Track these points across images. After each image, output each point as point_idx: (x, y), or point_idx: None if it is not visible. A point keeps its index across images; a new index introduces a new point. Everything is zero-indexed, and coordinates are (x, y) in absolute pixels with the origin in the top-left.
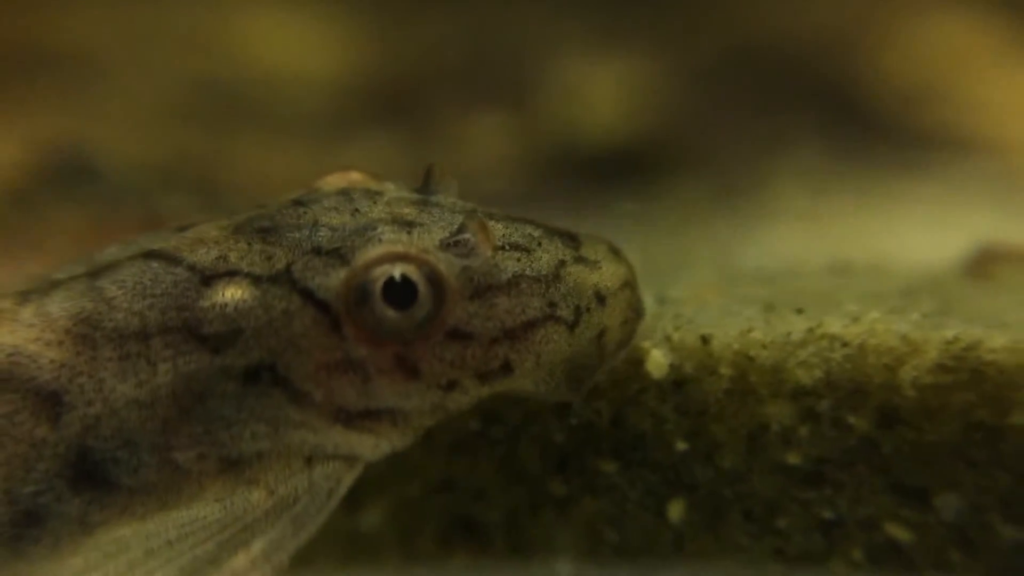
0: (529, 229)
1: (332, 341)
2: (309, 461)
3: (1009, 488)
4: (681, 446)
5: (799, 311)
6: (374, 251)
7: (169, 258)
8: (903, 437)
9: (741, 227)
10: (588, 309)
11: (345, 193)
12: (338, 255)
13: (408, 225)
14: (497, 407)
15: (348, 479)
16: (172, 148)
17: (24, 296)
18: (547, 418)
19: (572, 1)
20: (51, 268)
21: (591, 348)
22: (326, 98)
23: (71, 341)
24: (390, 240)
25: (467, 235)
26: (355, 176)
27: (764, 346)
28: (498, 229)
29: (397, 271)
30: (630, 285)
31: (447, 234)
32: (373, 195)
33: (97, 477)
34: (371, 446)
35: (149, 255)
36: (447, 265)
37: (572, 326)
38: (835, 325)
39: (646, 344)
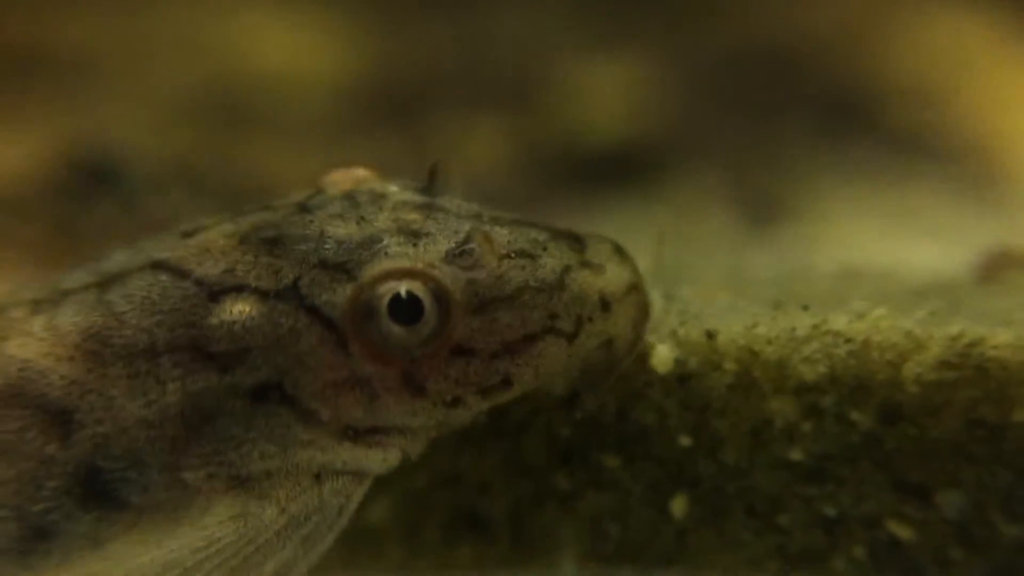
0: (535, 233)
1: (339, 359)
2: (318, 478)
3: (1011, 486)
4: (685, 441)
5: (805, 308)
6: (380, 266)
7: (177, 271)
8: (906, 434)
9: (746, 230)
10: (591, 318)
11: (350, 197)
12: (344, 270)
13: (414, 236)
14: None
15: (357, 495)
16: (175, 151)
17: (35, 306)
18: (552, 412)
19: (574, 3)
20: (60, 273)
21: (600, 355)
22: (329, 101)
23: (82, 357)
24: (396, 254)
25: (472, 246)
26: (360, 173)
27: (769, 342)
28: (503, 235)
29: (403, 288)
30: (636, 288)
31: (453, 244)
32: (378, 199)
33: (106, 495)
34: (379, 460)
35: (156, 266)
36: (452, 280)
37: (572, 337)
38: (840, 321)
39: (651, 339)
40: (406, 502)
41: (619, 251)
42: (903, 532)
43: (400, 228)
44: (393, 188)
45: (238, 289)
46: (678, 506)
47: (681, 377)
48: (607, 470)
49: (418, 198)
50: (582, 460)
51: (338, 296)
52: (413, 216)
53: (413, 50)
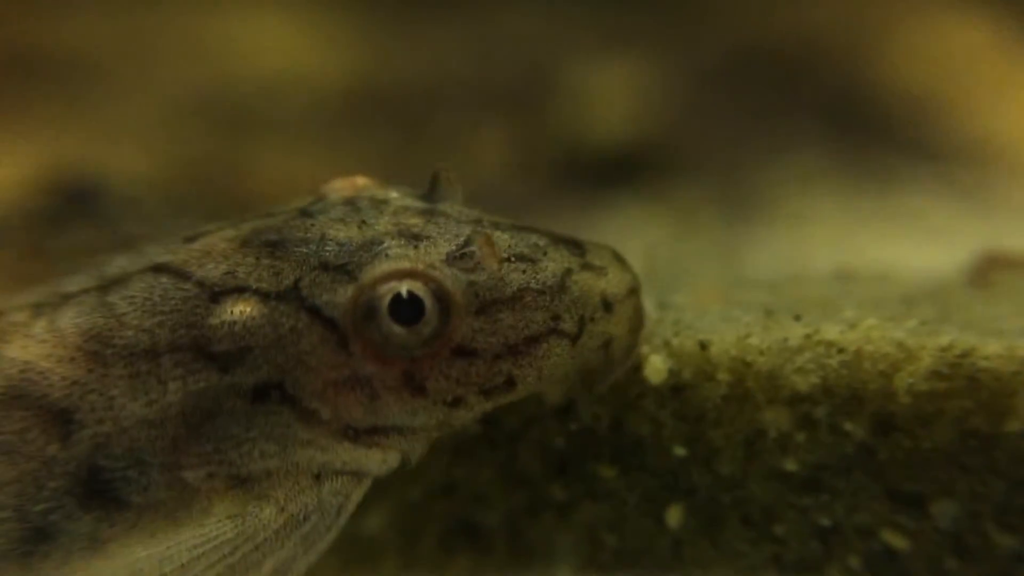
0: (535, 238)
1: (340, 359)
2: (317, 478)
3: (1004, 495)
4: (679, 452)
5: (797, 317)
6: (381, 267)
7: (178, 273)
8: (899, 444)
9: (745, 232)
10: (593, 319)
11: (351, 203)
12: (345, 271)
13: (415, 238)
14: (497, 412)
15: (356, 495)
16: (175, 157)
17: (36, 309)
18: (547, 423)
19: (577, 5)
20: (60, 278)
21: (598, 356)
22: (332, 104)
23: (83, 358)
24: (397, 255)
25: (473, 248)
26: (361, 181)
27: (761, 352)
28: (504, 240)
29: (404, 288)
30: (635, 292)
31: (453, 247)
32: (379, 204)
33: (107, 495)
34: (379, 462)
35: (158, 269)
36: (453, 281)
37: (575, 338)
38: (832, 331)
39: (645, 349)
40: (402, 512)
41: (618, 256)
42: (898, 542)
43: (401, 231)
44: (394, 195)
45: (239, 290)
46: (674, 516)
47: (675, 388)
48: (602, 480)
49: (419, 204)
50: (577, 470)
51: (339, 296)
52: (414, 220)
53: (416, 53)
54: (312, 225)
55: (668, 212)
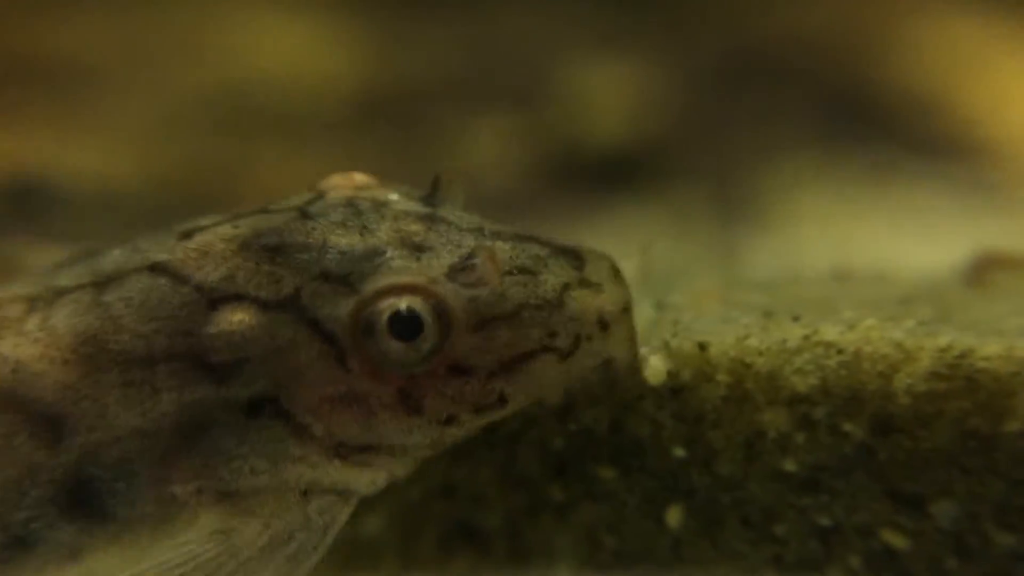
0: (536, 249)
1: (337, 374)
2: (305, 495)
3: (1004, 495)
4: (679, 453)
5: (796, 318)
6: (382, 281)
7: (176, 275)
8: (898, 444)
9: (743, 232)
10: (589, 337)
11: (352, 205)
12: (347, 283)
13: (416, 249)
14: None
15: (343, 515)
16: (176, 159)
17: (30, 303)
18: (546, 424)
19: (576, 7)
20: (52, 265)
21: (597, 376)
22: (332, 104)
23: (77, 361)
24: (399, 268)
25: (475, 261)
26: (359, 178)
27: (760, 353)
28: (505, 250)
29: (403, 304)
30: (628, 310)
31: (456, 259)
32: (380, 208)
33: (92, 506)
34: (368, 481)
35: (155, 268)
36: (454, 297)
37: (568, 355)
38: (831, 332)
39: (644, 351)
40: (402, 513)
41: (615, 270)
42: (898, 541)
43: (403, 240)
44: (394, 196)
45: (238, 298)
46: (673, 517)
47: (674, 389)
48: (602, 481)
49: (420, 208)
50: (577, 471)
51: (340, 310)
52: (415, 228)
53: (417, 54)
54: (313, 229)
55: (666, 213)
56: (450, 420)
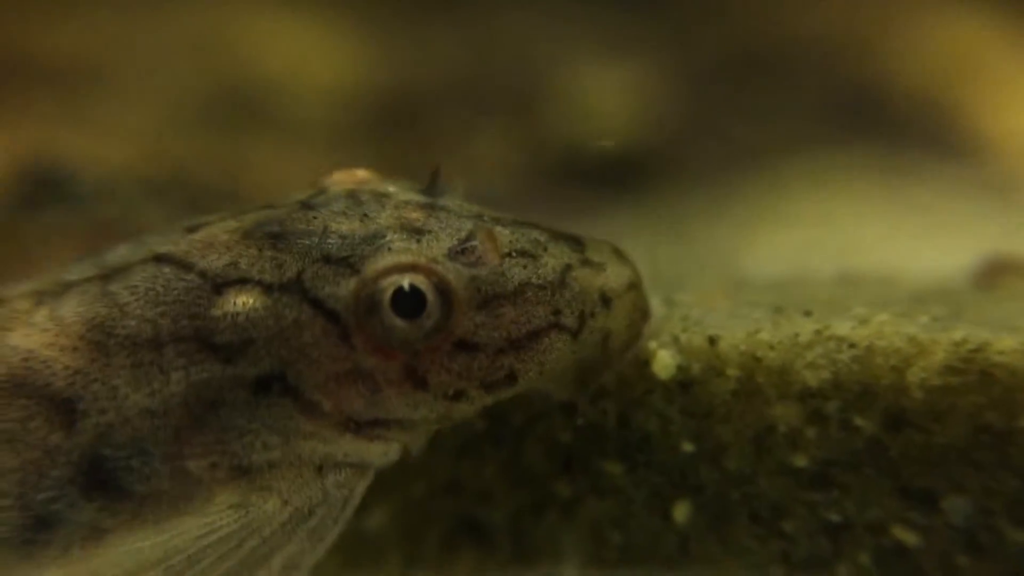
0: (535, 234)
1: (342, 351)
2: (320, 470)
3: (1018, 492)
4: (687, 447)
5: (807, 313)
6: (384, 261)
7: (180, 263)
8: (911, 440)
9: (748, 235)
10: (592, 314)
11: (353, 196)
12: (348, 264)
13: (417, 232)
14: (502, 408)
15: (360, 487)
16: (176, 156)
17: (38, 297)
18: (553, 418)
19: (577, 9)
20: (60, 266)
21: (596, 351)
22: (333, 106)
23: (85, 347)
24: (399, 249)
25: (475, 243)
26: (361, 174)
27: (771, 347)
28: (504, 235)
29: (406, 281)
30: (635, 286)
31: (455, 242)
32: (381, 198)
33: (109, 484)
34: (380, 453)
35: (160, 259)
36: (456, 275)
37: (576, 333)
38: (843, 327)
39: (653, 345)
40: (406, 509)
41: (618, 252)
42: (909, 538)
43: (403, 225)
44: (394, 189)
45: (242, 281)
46: (681, 512)
47: (683, 383)
48: (609, 477)
49: (420, 198)
50: (583, 467)
51: (342, 289)
52: (416, 214)
53: (417, 56)
54: (314, 217)
55: (668, 215)
56: (458, 395)
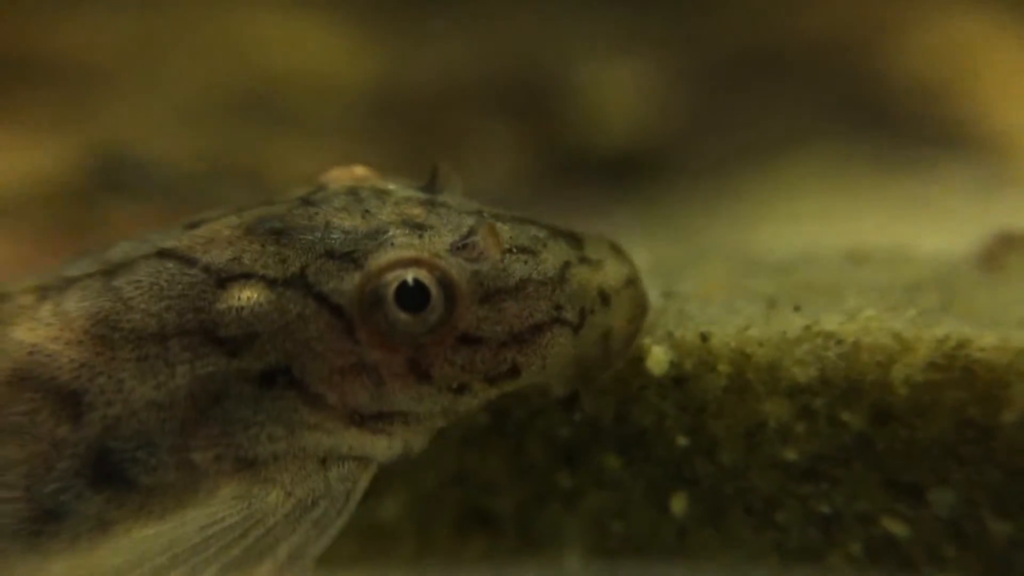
0: (534, 231)
1: (346, 345)
2: (324, 463)
3: (1001, 484)
4: (682, 442)
5: (797, 308)
6: (387, 256)
7: (184, 258)
8: (896, 434)
9: (753, 228)
10: (592, 310)
11: (354, 192)
12: (351, 259)
13: (419, 228)
14: (505, 402)
15: (363, 480)
16: (193, 152)
17: (42, 293)
18: (553, 413)
19: (585, 9)
20: (61, 261)
21: (596, 348)
22: (340, 104)
23: (90, 341)
24: (402, 244)
25: (476, 238)
26: (359, 171)
27: (761, 344)
28: (505, 231)
29: (410, 275)
30: (633, 282)
31: (457, 237)
32: (381, 194)
33: (116, 476)
34: (384, 447)
35: (163, 254)
36: (458, 270)
37: (577, 328)
38: (831, 323)
39: (647, 341)
40: (417, 500)
41: (616, 248)
42: (897, 529)
43: (404, 221)
44: (394, 186)
45: (245, 276)
46: (678, 504)
47: (677, 379)
48: (608, 470)
49: (420, 195)
50: (584, 460)
51: (346, 284)
52: (416, 211)
53: (427, 56)
54: (316, 213)
55: (674, 212)
56: (462, 389)
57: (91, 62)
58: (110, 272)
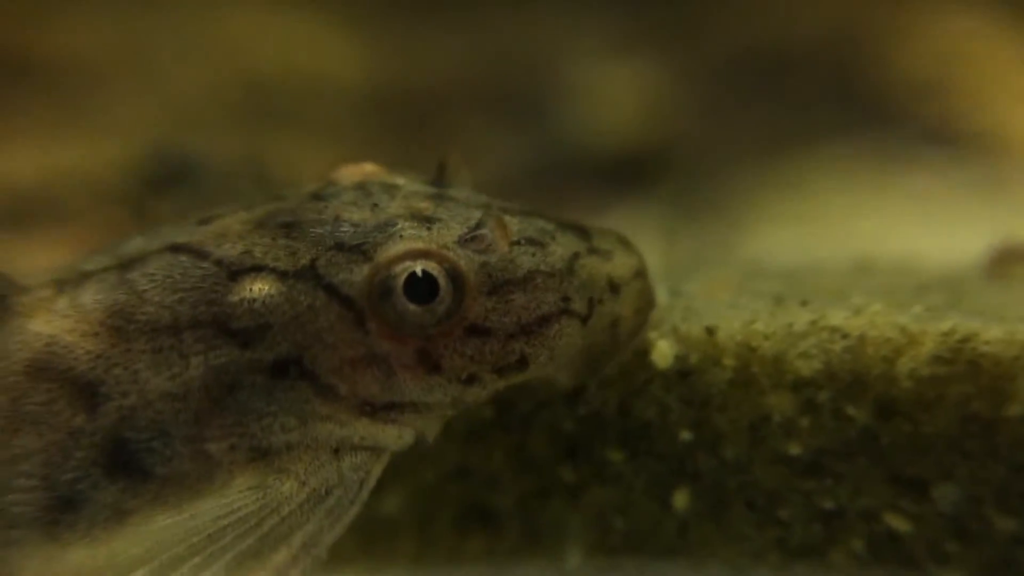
0: (542, 223)
1: (356, 336)
2: (336, 453)
3: (1005, 480)
4: (686, 436)
5: (804, 303)
6: (396, 247)
7: (196, 252)
8: (901, 429)
9: (758, 231)
10: (601, 300)
11: (362, 187)
12: (360, 251)
13: (427, 221)
14: (509, 396)
15: (376, 470)
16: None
17: (59, 286)
18: (557, 407)
19: (585, 8)
20: (77, 256)
21: (605, 337)
22: (340, 104)
23: (106, 333)
24: (411, 236)
25: (485, 231)
26: (369, 168)
27: (766, 337)
28: (513, 224)
29: (419, 267)
30: (642, 274)
31: (465, 230)
32: (390, 188)
33: (132, 466)
34: (395, 437)
35: (176, 248)
36: (467, 261)
37: (585, 319)
38: (837, 317)
39: (653, 335)
40: (419, 495)
41: (624, 240)
42: (900, 525)
43: (413, 214)
44: (402, 181)
45: (257, 269)
46: (680, 500)
47: (682, 372)
48: (611, 464)
49: (428, 189)
50: (586, 454)
51: (355, 275)
52: (425, 204)
53: (426, 56)
54: (325, 207)
55: (676, 212)
56: (471, 379)
57: (62, 65)
58: (125, 266)
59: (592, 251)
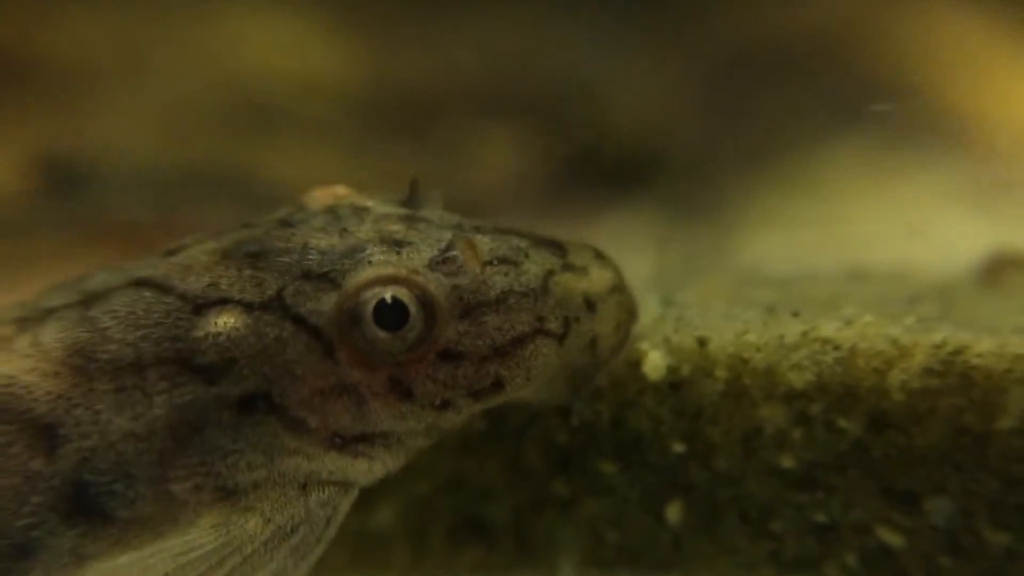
0: (516, 241)
1: (326, 366)
2: (304, 488)
3: (997, 493)
4: (678, 448)
5: (795, 314)
6: (364, 274)
7: (160, 286)
8: (893, 441)
9: (758, 232)
10: (577, 319)
11: (332, 211)
12: (328, 279)
13: (397, 244)
14: (501, 409)
15: (344, 506)
16: (175, 156)
17: (20, 324)
18: (549, 419)
19: (589, 9)
20: (41, 292)
21: (585, 355)
22: (342, 108)
23: (67, 372)
24: (380, 262)
25: (455, 252)
26: (340, 190)
27: (758, 349)
28: (485, 243)
29: (388, 293)
30: (619, 288)
31: (436, 252)
32: (360, 212)
33: (92, 510)
34: (364, 471)
35: (140, 283)
36: (437, 285)
37: (561, 338)
38: (828, 328)
39: (644, 346)
40: (411, 508)
41: (600, 255)
42: (893, 539)
43: (383, 238)
44: (373, 202)
45: (222, 302)
46: (673, 512)
47: (674, 384)
48: (604, 476)
49: (399, 210)
50: (579, 467)
51: (323, 304)
52: (395, 227)
53: (427, 56)
54: (293, 235)
55: (681, 214)
56: (445, 405)
57: (54, 62)
58: (87, 302)
59: (567, 267)
